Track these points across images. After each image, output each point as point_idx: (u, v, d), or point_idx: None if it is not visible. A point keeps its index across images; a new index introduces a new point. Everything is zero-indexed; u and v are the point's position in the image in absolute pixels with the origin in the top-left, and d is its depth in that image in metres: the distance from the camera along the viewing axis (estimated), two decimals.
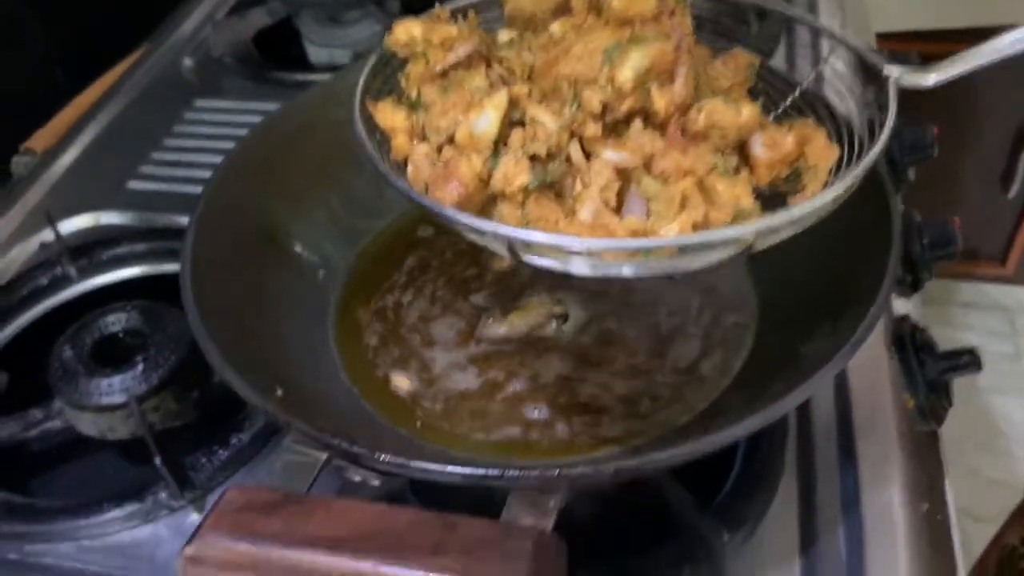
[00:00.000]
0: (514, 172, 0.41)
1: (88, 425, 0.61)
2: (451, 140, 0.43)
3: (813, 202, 0.39)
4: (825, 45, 0.50)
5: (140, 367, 0.60)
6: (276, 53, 0.94)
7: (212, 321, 0.46)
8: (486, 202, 0.42)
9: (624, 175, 0.41)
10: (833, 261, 0.48)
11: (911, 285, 0.67)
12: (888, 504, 0.50)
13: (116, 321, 0.65)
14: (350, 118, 0.45)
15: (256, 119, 0.82)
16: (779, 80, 0.51)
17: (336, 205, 0.57)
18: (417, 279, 0.60)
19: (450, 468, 0.38)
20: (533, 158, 0.42)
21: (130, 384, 0.60)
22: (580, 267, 0.39)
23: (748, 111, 0.43)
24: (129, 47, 0.97)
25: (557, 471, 0.38)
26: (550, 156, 0.42)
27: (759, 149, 0.44)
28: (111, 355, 0.62)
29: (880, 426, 0.53)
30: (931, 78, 0.45)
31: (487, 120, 0.42)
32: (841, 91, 0.50)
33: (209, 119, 0.85)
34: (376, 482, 0.48)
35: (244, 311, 0.49)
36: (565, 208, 0.41)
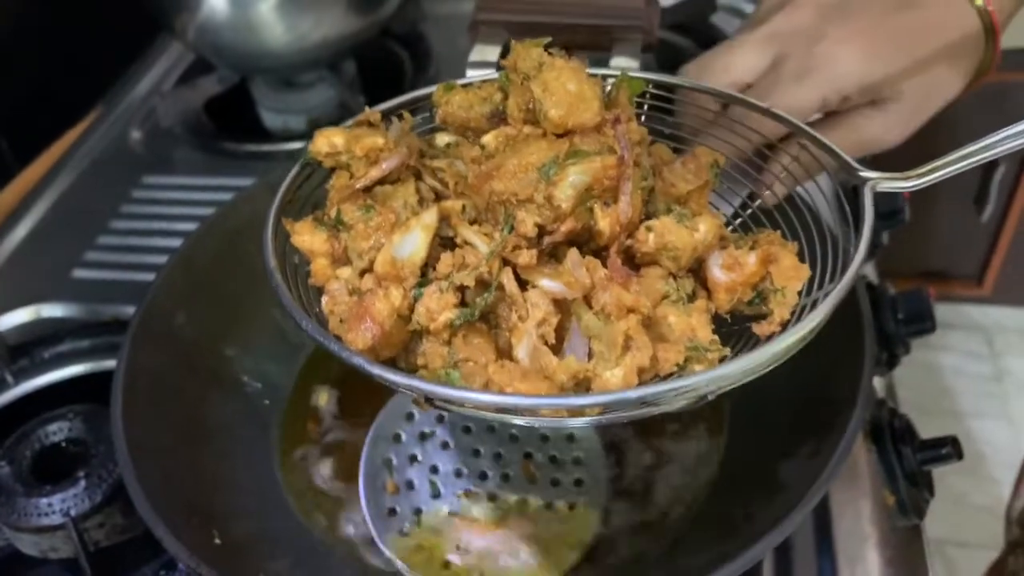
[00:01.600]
0: (437, 307, 0.37)
1: (28, 545, 0.58)
2: (370, 268, 0.39)
3: (774, 345, 0.35)
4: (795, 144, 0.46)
5: (82, 483, 0.57)
6: (229, 120, 0.91)
7: (145, 459, 0.43)
8: (410, 338, 0.38)
9: (564, 307, 0.37)
10: (803, 379, 0.45)
11: (887, 363, 0.65)
12: None
13: (58, 430, 0.61)
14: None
15: (206, 196, 0.80)
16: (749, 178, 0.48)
17: (279, 318, 0.54)
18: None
19: None
20: (461, 288, 0.38)
21: (71, 502, 0.57)
22: (514, 419, 0.36)
23: (705, 227, 0.39)
24: (77, 115, 0.94)
25: None
26: (480, 285, 0.38)
27: (718, 272, 0.40)
28: (53, 467, 0.59)
29: (859, 532, 0.51)
30: (911, 183, 0.42)
31: (414, 242, 0.38)
32: (813, 195, 0.46)
33: (158, 197, 0.82)
34: None
35: (181, 444, 0.46)
36: (500, 341, 0.37)
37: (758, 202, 0.48)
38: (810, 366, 0.45)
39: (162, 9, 0.83)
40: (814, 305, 0.38)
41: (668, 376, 0.37)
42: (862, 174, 0.42)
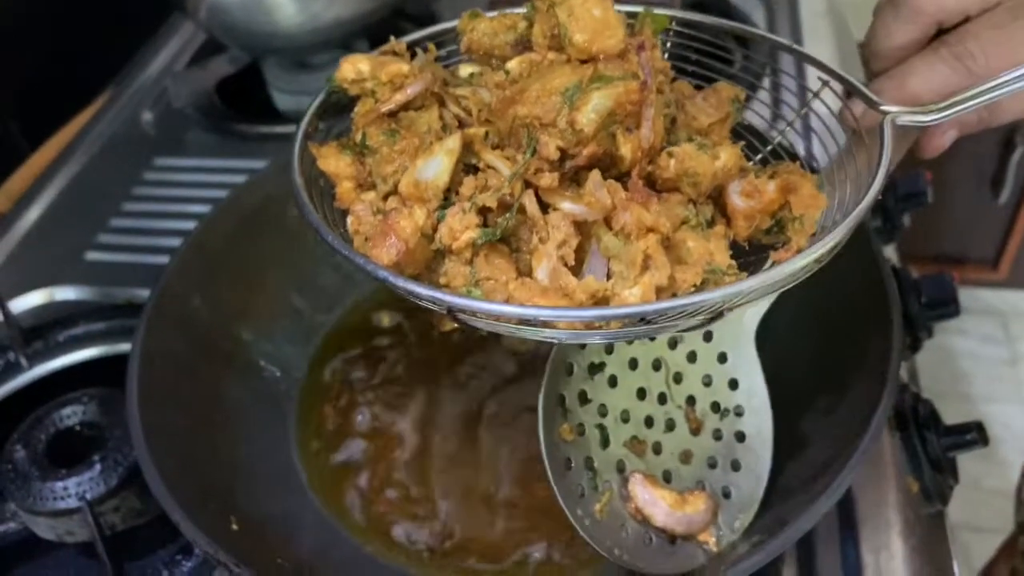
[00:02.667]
0: (460, 227, 0.37)
1: (45, 529, 0.58)
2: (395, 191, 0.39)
3: (790, 264, 0.34)
4: (813, 80, 0.46)
5: (97, 467, 0.57)
6: (241, 101, 0.90)
7: (160, 443, 0.43)
8: (433, 258, 0.38)
9: (584, 230, 0.37)
10: (831, 363, 0.44)
11: (910, 346, 0.64)
12: None
13: (72, 414, 0.61)
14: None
15: (219, 178, 0.79)
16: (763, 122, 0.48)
17: (296, 299, 0.54)
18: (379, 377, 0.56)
19: None
20: (483, 210, 0.37)
21: (87, 486, 0.56)
22: (533, 334, 0.36)
23: (726, 155, 0.39)
24: (88, 97, 0.93)
25: None
26: (502, 207, 0.38)
27: (737, 199, 0.40)
28: (68, 451, 0.59)
29: (883, 520, 0.50)
30: (931, 117, 0.41)
31: (437, 166, 0.38)
32: (828, 134, 0.45)
33: (170, 179, 0.81)
34: None
35: (198, 428, 0.46)
36: (520, 264, 0.37)
37: (778, 139, 0.47)
38: (838, 349, 0.45)
39: None
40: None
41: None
42: (883, 108, 0.41)
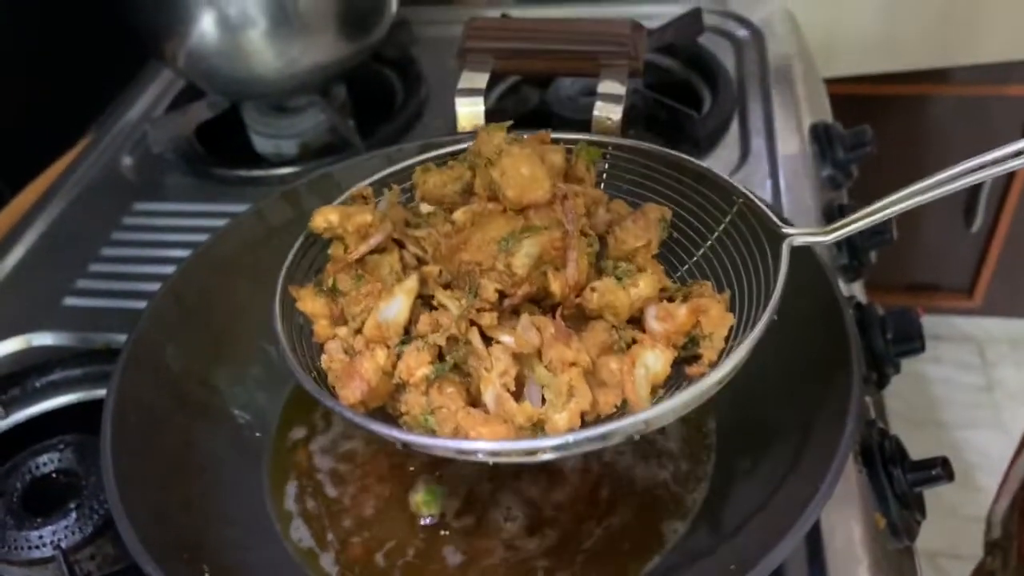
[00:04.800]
0: (415, 364, 0.42)
1: None
2: (361, 329, 0.45)
3: (695, 388, 0.40)
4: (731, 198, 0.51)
5: (73, 515, 0.57)
6: (220, 145, 0.91)
7: (134, 493, 0.43)
8: (395, 389, 0.44)
9: (523, 360, 0.43)
10: (793, 402, 0.46)
11: (876, 382, 0.65)
12: None
13: (48, 461, 0.62)
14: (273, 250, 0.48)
15: (198, 222, 0.80)
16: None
17: (268, 346, 0.54)
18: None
19: None
20: (437, 346, 0.43)
21: (62, 534, 0.57)
22: (483, 458, 0.41)
23: (644, 284, 0.46)
24: (68, 143, 0.94)
25: None
26: (452, 341, 0.44)
27: (653, 323, 0.46)
28: (44, 498, 0.59)
29: (852, 555, 0.51)
30: (826, 238, 0.46)
31: (397, 306, 0.44)
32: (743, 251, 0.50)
33: (150, 224, 0.82)
34: None
35: (172, 477, 0.46)
36: (472, 389, 0.43)
37: (701, 251, 0.53)
38: (800, 390, 0.46)
39: (152, 36, 0.83)
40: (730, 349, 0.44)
41: (609, 416, 0.43)
42: (783, 230, 0.46)
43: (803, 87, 0.90)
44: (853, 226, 0.45)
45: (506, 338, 0.43)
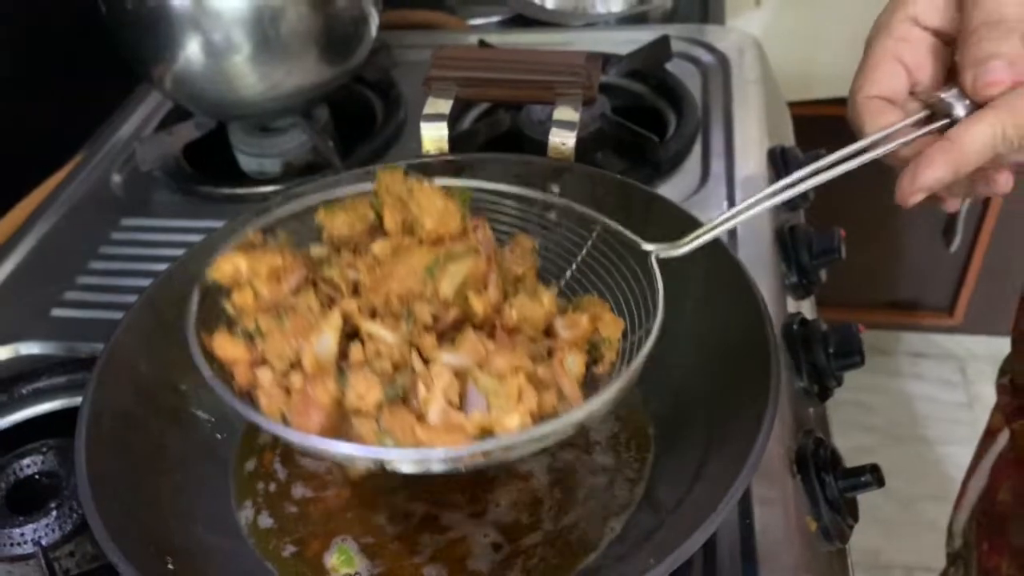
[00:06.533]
0: (366, 389, 0.44)
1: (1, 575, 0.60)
2: (293, 366, 0.46)
3: (597, 400, 0.44)
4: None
5: (53, 514, 0.60)
6: (207, 164, 0.95)
7: (107, 493, 0.46)
8: (341, 419, 0.45)
9: (461, 375, 0.46)
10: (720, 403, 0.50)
11: (818, 395, 0.68)
12: None
13: (32, 464, 0.65)
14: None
15: (183, 238, 0.84)
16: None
17: None
18: None
19: None
20: (381, 372, 0.45)
21: (42, 532, 0.60)
22: (440, 467, 0.44)
23: (546, 299, 0.50)
24: (57, 164, 0.98)
25: None
26: (395, 368, 0.46)
27: (563, 331, 0.50)
28: (27, 499, 0.62)
29: (783, 557, 0.54)
30: (681, 251, 0.51)
31: (327, 341, 0.46)
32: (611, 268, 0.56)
33: (137, 239, 0.85)
34: None
35: (143, 478, 0.49)
36: (415, 413, 0.44)
37: (569, 272, 0.58)
38: (726, 385, 0.51)
39: (140, 60, 0.87)
40: (639, 343, 0.49)
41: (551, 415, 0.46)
42: (644, 247, 0.52)
43: (765, 111, 0.94)
44: (703, 238, 0.51)
45: (448, 356, 0.46)
